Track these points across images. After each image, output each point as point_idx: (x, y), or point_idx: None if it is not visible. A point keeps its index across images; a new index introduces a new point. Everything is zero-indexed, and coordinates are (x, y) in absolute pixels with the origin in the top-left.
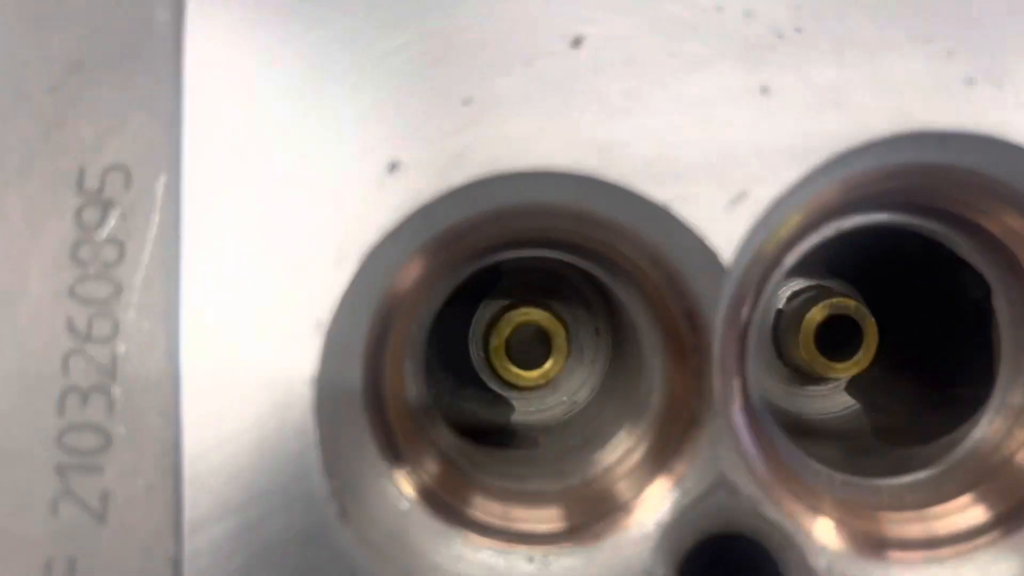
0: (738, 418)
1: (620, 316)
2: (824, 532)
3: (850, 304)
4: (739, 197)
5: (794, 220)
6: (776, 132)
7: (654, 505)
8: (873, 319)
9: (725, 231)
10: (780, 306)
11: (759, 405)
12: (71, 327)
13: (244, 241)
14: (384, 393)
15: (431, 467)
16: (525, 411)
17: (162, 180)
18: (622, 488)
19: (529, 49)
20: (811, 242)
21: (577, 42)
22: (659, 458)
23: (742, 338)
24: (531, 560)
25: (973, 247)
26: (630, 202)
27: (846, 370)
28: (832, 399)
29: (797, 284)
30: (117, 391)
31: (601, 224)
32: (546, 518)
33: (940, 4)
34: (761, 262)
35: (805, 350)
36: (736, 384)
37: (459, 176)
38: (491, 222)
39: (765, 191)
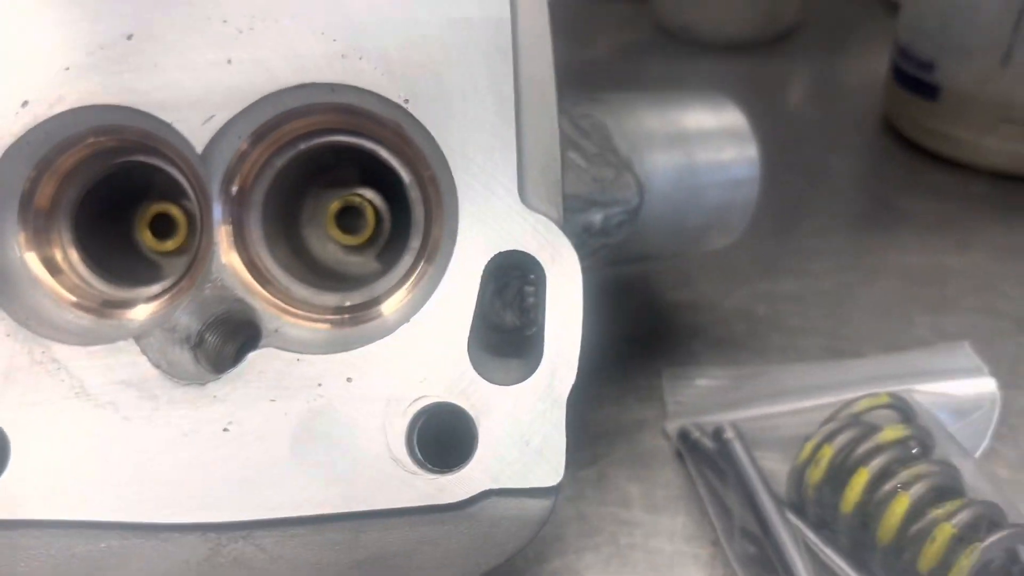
0: (228, 249)
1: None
2: (275, 309)
3: (355, 199)
4: (208, 119)
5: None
6: (236, 81)
7: (178, 296)
8: (372, 207)
9: (199, 137)
10: (329, 205)
11: (254, 241)
12: None
13: None
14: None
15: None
16: (168, 271)
17: None
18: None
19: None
20: (294, 151)
21: None
22: (188, 272)
23: (238, 202)
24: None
25: (390, 155)
26: (155, 123)
27: (356, 240)
28: (366, 265)
29: (340, 192)
30: None
31: (149, 135)
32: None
33: None
34: (229, 151)
35: (331, 229)
36: (227, 230)
37: (59, 107)
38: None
39: (223, 114)
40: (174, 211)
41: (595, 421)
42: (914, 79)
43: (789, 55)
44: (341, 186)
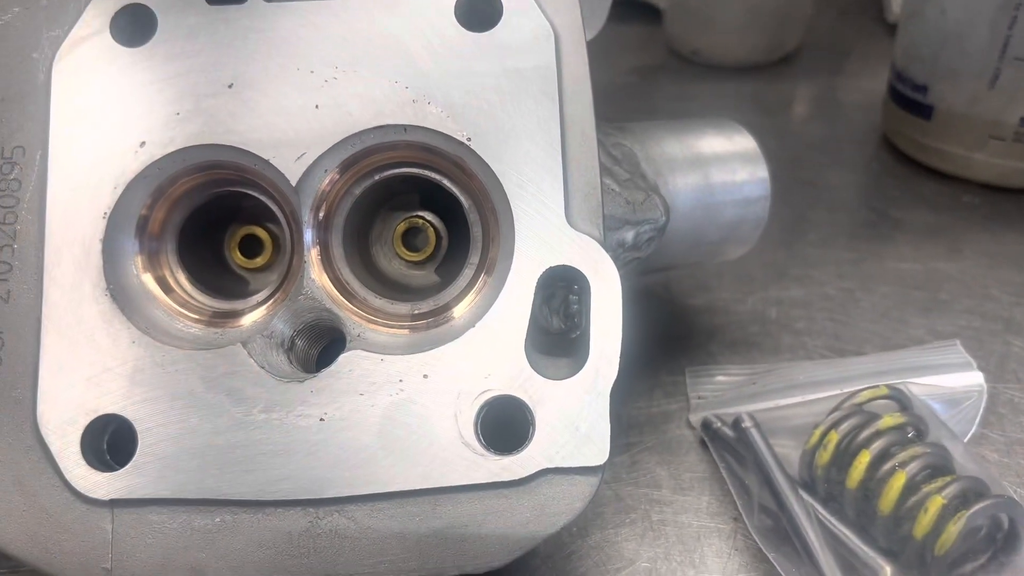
0: (318, 267)
1: (286, 229)
2: (358, 317)
3: (418, 220)
4: (300, 156)
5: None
6: (323, 123)
7: (274, 306)
8: (433, 229)
9: (293, 172)
10: (395, 225)
11: (337, 259)
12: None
13: (75, 176)
14: (147, 249)
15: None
16: (254, 285)
17: (39, 153)
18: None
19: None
20: (370, 181)
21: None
22: (282, 286)
23: (324, 227)
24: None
25: (451, 183)
26: (253, 159)
27: (419, 256)
28: (427, 278)
29: (404, 215)
30: (15, 246)
31: (247, 170)
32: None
33: None
34: (318, 182)
35: (397, 247)
36: (315, 252)
37: (171, 147)
38: (195, 169)
39: (313, 151)
40: (260, 232)
41: (627, 414)
42: (910, 100)
43: (794, 75)
44: (404, 209)
